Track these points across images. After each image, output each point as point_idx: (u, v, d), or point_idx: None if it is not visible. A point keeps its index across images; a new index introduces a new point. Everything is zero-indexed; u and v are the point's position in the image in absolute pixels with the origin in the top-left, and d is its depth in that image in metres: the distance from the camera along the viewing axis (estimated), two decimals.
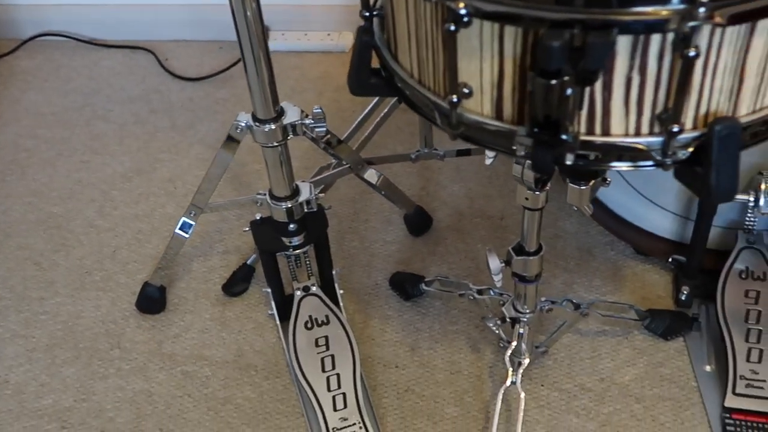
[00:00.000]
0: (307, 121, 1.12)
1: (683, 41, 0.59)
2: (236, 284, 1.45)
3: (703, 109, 0.66)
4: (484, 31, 0.64)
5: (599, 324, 1.34)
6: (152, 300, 1.40)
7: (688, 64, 0.60)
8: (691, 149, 0.66)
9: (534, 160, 0.65)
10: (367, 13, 0.80)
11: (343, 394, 1.20)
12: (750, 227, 1.34)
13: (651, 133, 0.66)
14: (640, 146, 0.66)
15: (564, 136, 0.63)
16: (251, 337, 1.38)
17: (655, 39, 0.61)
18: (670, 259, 1.41)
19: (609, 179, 1.00)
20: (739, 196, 1.28)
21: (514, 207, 1.61)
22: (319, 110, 1.11)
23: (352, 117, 1.58)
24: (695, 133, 0.66)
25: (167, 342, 1.37)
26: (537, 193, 1.02)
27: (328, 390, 1.21)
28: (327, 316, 1.29)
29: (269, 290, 1.33)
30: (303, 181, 1.23)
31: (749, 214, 1.31)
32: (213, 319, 1.41)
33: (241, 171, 1.70)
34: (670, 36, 0.60)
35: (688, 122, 0.66)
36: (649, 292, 1.41)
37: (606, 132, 0.67)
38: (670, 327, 1.32)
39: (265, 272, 1.32)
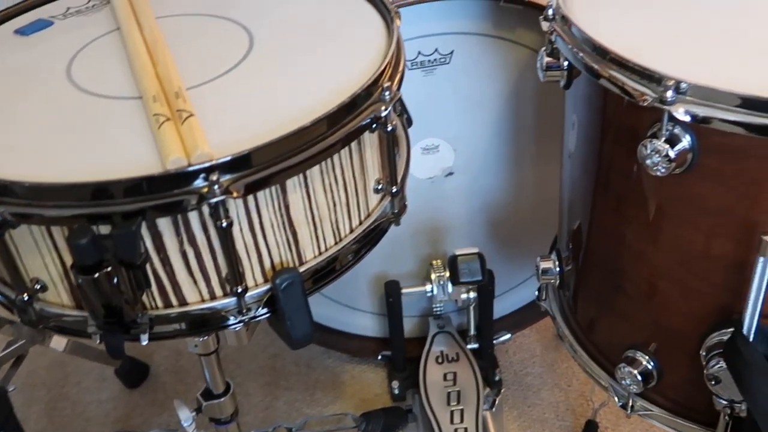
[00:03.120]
0: None
1: (215, 214, 0.62)
2: None
3: (267, 264, 0.69)
4: (33, 230, 0.64)
5: None
6: None
7: (226, 233, 0.64)
8: (264, 302, 0.69)
9: (106, 346, 0.65)
10: None
11: None
12: (438, 313, 1.43)
13: (225, 295, 0.69)
14: (217, 309, 0.69)
15: (134, 318, 0.64)
16: None
17: (193, 215, 0.64)
18: (379, 357, 1.47)
19: None
20: (418, 288, 1.37)
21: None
22: None
23: None
24: (265, 287, 0.69)
25: None
26: (203, 338, 1.02)
27: None
28: None
29: None
30: None
31: (433, 302, 1.40)
32: None
33: None
34: (206, 210, 0.63)
35: (258, 278, 0.70)
36: (367, 393, 1.46)
37: (183, 302, 0.68)
38: (387, 425, 1.36)
39: None
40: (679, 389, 0.91)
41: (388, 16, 0.80)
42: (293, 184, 0.67)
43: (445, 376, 1.37)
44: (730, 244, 0.78)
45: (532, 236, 1.35)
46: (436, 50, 1.18)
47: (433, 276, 1.34)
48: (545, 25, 0.87)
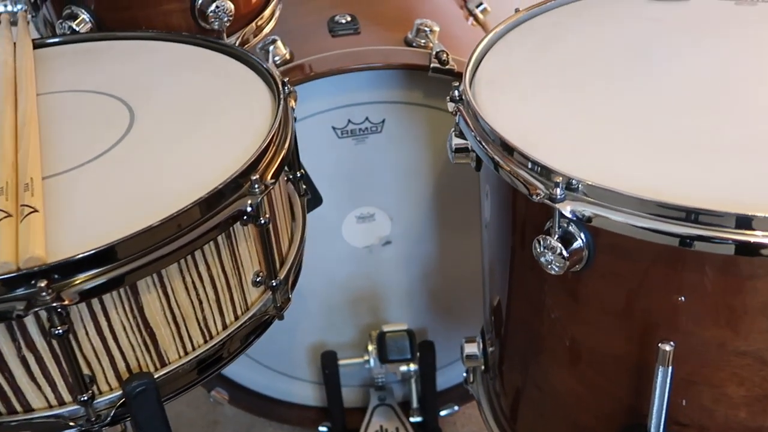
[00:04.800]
0: None
1: (51, 320, 0.58)
2: None
3: (121, 367, 0.65)
4: None
5: None
6: None
7: (64, 340, 0.59)
8: (119, 407, 0.64)
9: None
10: None
11: None
12: (380, 384, 1.37)
13: (74, 401, 0.64)
14: (65, 417, 0.64)
15: None
16: None
17: (30, 320, 0.59)
18: (320, 427, 1.41)
19: None
20: (356, 360, 1.32)
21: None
22: None
23: None
24: (117, 393, 0.64)
25: None
26: None
27: None
28: None
29: None
30: None
31: (373, 373, 1.34)
32: None
33: None
34: (43, 314, 0.59)
35: (112, 381, 0.65)
36: None
37: (28, 408, 0.64)
38: None
39: None
40: None
41: (278, 97, 0.76)
42: (146, 284, 0.62)
43: None
44: (632, 346, 0.73)
45: (476, 305, 1.30)
46: (366, 119, 1.14)
47: (370, 347, 1.30)
48: (451, 106, 0.83)
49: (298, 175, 0.86)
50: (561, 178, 0.67)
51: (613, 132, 0.74)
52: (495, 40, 0.92)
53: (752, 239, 0.61)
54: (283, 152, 0.71)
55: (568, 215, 0.66)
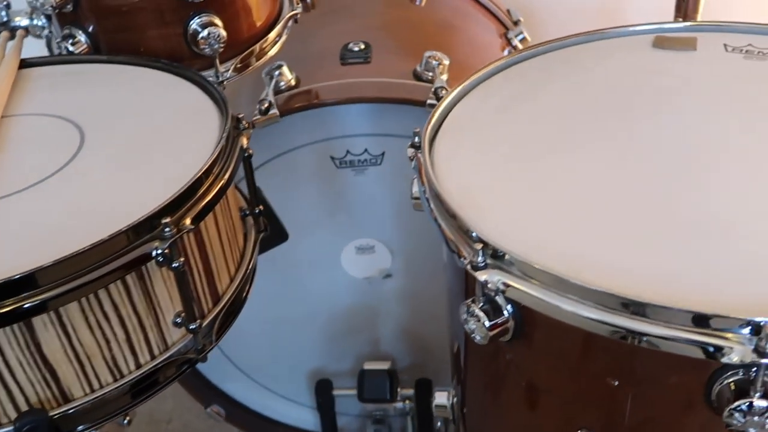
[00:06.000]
0: None
1: None
2: None
3: (20, 401, 0.65)
4: None
5: None
6: None
7: None
8: None
9: None
10: None
11: None
12: (377, 416, 1.34)
13: None
14: None
15: None
16: None
17: None
18: None
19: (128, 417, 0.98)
20: (350, 391, 1.29)
21: (183, 407, 1.58)
22: None
23: None
24: (11, 427, 0.65)
25: None
26: None
27: None
28: None
29: None
30: None
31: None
32: None
33: None
34: None
35: (11, 414, 0.65)
36: None
37: None
38: None
39: None
40: None
41: (221, 136, 0.75)
42: (42, 322, 0.62)
43: None
44: (561, 427, 0.67)
45: None
46: (366, 150, 1.12)
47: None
48: (410, 152, 0.80)
49: (257, 211, 0.85)
50: (481, 246, 0.62)
51: (570, 204, 0.68)
52: (477, 83, 0.87)
53: (708, 339, 0.55)
54: (210, 195, 0.69)
55: (482, 284, 0.62)
